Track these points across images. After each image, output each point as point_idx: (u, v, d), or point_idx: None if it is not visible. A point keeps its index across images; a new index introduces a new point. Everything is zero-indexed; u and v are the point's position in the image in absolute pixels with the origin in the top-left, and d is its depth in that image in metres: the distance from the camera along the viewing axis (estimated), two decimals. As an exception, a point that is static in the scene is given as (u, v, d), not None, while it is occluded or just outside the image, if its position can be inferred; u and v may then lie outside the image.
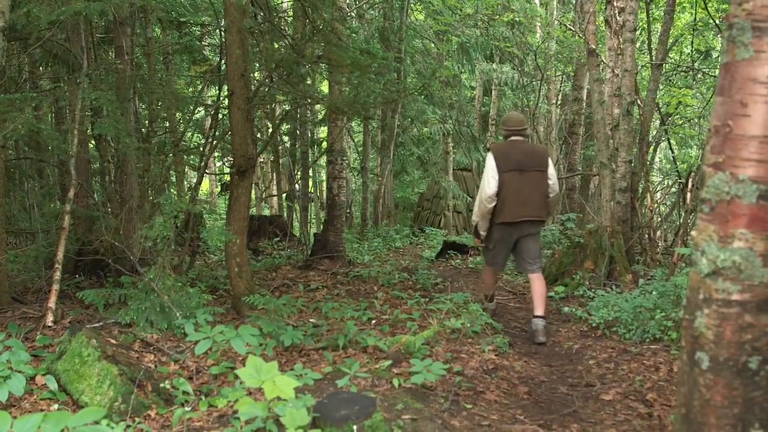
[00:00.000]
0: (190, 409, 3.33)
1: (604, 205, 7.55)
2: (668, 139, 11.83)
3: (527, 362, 4.51)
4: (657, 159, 15.72)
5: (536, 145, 6.47)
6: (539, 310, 5.28)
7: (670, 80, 12.95)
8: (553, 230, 10.29)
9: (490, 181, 5.35)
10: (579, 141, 13.80)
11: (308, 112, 13.20)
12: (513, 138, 5.59)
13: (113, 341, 4.14)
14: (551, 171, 5.50)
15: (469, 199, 16.93)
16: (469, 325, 4.86)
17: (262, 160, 17.43)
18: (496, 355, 4.44)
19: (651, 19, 9.89)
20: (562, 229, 9.92)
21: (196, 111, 8.53)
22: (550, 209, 5.60)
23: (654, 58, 8.46)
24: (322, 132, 15.76)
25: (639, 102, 8.32)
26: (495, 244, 5.55)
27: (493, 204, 5.37)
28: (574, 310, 5.82)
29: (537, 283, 5.44)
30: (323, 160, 14.36)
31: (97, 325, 4.78)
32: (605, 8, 8.02)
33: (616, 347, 4.76)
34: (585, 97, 13.51)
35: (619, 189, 7.51)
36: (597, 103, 7.69)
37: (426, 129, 17.73)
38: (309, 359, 4.30)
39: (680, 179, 9.33)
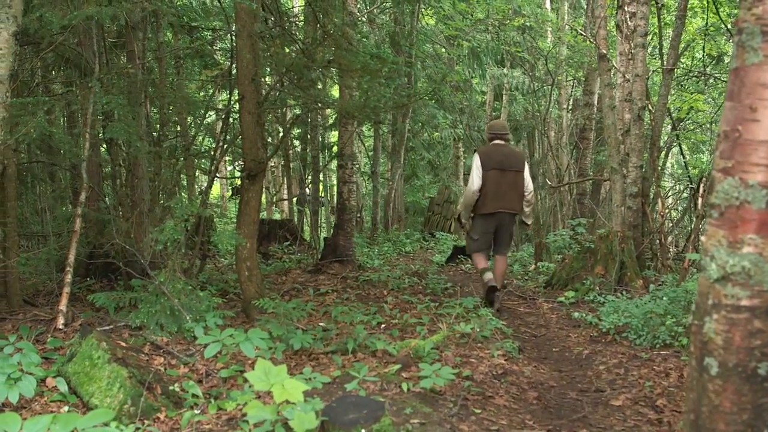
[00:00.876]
0: (199, 412, 3.35)
1: (615, 210, 7.52)
2: (679, 144, 11.77)
3: (537, 367, 4.50)
4: (668, 164, 15.63)
5: (515, 149, 7.20)
6: (498, 283, 6.32)
7: (681, 85, 12.87)
8: (564, 235, 10.24)
9: (475, 178, 6.22)
10: (590, 146, 13.76)
11: (319, 116, 13.23)
12: (496, 141, 6.42)
13: (123, 344, 4.17)
14: (527, 172, 6.39)
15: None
16: (478, 330, 4.85)
17: (272, 164, 17.48)
18: (505, 360, 4.42)
19: (662, 23, 9.85)
20: (572, 234, 9.88)
21: (207, 115, 8.57)
22: (526, 205, 6.44)
23: (665, 62, 8.42)
24: (333, 136, 15.78)
25: (650, 107, 8.28)
26: (480, 234, 6.38)
27: (477, 197, 6.24)
28: (584, 315, 5.80)
29: (500, 262, 6.51)
30: (334, 165, 14.36)
31: (107, 327, 4.81)
32: (616, 13, 8.01)
33: (626, 353, 4.73)
34: (596, 102, 13.46)
35: (629, 194, 7.48)
36: (608, 108, 7.67)
37: (437, 133, 17.74)
38: (318, 363, 4.30)
39: (691, 184, 9.29)
